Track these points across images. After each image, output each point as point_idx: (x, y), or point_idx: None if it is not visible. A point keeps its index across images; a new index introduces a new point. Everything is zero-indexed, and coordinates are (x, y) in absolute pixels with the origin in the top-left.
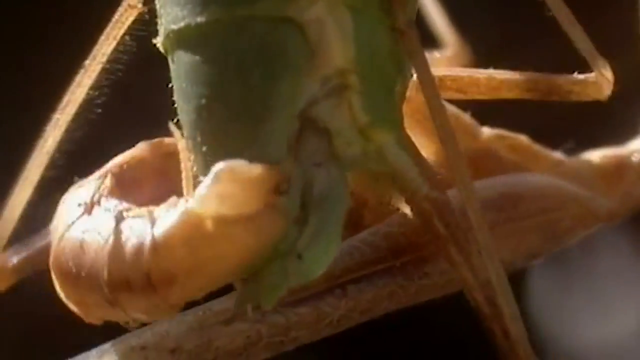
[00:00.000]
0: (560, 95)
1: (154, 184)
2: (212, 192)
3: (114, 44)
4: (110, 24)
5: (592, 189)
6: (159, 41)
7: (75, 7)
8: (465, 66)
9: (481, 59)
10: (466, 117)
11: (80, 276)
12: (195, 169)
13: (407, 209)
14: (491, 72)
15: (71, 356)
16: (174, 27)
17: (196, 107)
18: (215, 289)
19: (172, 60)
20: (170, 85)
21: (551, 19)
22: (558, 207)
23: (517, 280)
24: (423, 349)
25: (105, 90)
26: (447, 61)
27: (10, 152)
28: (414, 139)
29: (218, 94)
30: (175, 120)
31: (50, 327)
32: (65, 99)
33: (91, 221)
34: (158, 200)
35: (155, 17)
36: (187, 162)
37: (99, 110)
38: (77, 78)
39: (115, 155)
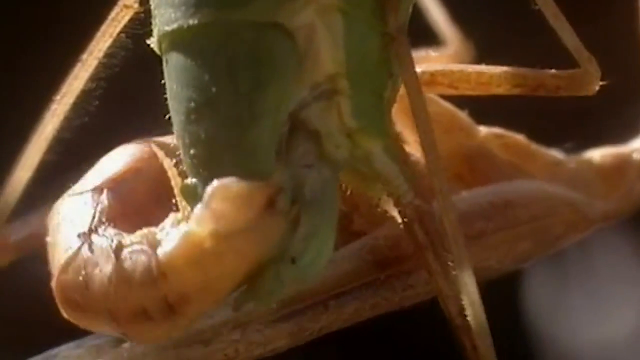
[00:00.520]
0: (549, 90)
1: (151, 193)
2: (208, 212)
3: (110, 40)
4: (106, 23)
5: (589, 189)
6: (152, 42)
7: (72, 6)
8: (467, 63)
9: (483, 56)
10: (462, 116)
11: (88, 311)
12: (185, 170)
13: (395, 212)
14: (481, 67)
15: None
16: (167, 28)
17: (186, 110)
18: (228, 296)
19: (165, 61)
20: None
21: None
22: (549, 213)
23: (514, 279)
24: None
25: (102, 84)
26: (448, 59)
27: (7, 144)
28: (410, 136)
29: (207, 98)
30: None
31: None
32: (63, 90)
33: (92, 257)
34: (157, 208)
35: (151, 16)
36: (176, 178)
37: (96, 102)
38: (74, 71)
39: (110, 147)
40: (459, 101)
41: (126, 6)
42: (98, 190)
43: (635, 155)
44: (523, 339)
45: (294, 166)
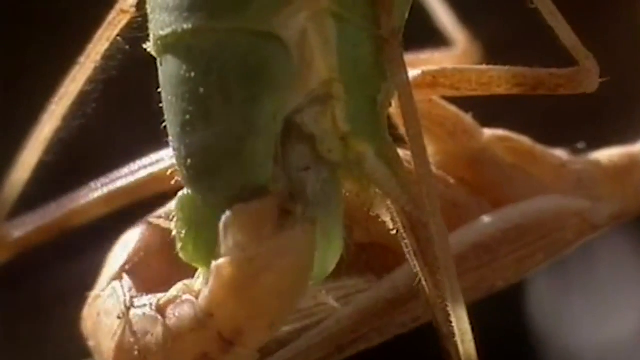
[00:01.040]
0: (549, 89)
1: (162, 265)
2: (230, 242)
3: (107, 44)
4: (103, 27)
5: (596, 191)
6: (149, 46)
7: (69, 10)
8: (475, 64)
9: (489, 56)
10: (467, 119)
11: None
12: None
13: (387, 217)
14: (481, 68)
15: None
16: (162, 32)
17: (181, 121)
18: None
19: (160, 66)
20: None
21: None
22: (559, 227)
23: (516, 282)
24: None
25: (100, 86)
26: (456, 59)
27: (6, 145)
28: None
29: (201, 109)
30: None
31: None
32: (61, 92)
33: (140, 328)
34: (175, 272)
35: (147, 21)
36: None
37: (94, 105)
38: (72, 73)
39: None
40: (465, 104)
41: (123, 11)
42: (118, 277)
43: None
44: (525, 341)
45: (292, 170)
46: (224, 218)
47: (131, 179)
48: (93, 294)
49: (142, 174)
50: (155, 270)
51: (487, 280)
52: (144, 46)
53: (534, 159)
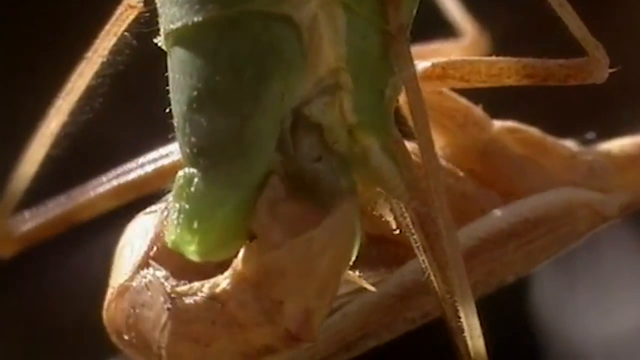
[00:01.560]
0: (559, 80)
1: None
2: (278, 231)
3: (115, 39)
4: (110, 22)
5: (606, 181)
6: (160, 40)
7: (76, 5)
8: (484, 55)
9: (499, 48)
10: (477, 110)
11: None
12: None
13: (390, 217)
14: (491, 59)
15: None
16: (172, 26)
17: (188, 99)
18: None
19: (170, 56)
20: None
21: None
22: (569, 221)
23: (521, 277)
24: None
25: (108, 81)
26: (465, 50)
27: (11, 141)
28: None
29: (210, 86)
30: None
31: None
32: (68, 86)
33: (190, 316)
34: (194, 265)
35: (156, 16)
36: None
37: (101, 100)
38: (79, 68)
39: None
40: (475, 95)
41: (130, 6)
42: (144, 266)
43: None
44: (531, 335)
45: (305, 162)
46: (264, 207)
47: (139, 173)
48: (116, 285)
49: (151, 168)
50: (181, 259)
51: (497, 275)
52: (155, 40)
53: (544, 150)
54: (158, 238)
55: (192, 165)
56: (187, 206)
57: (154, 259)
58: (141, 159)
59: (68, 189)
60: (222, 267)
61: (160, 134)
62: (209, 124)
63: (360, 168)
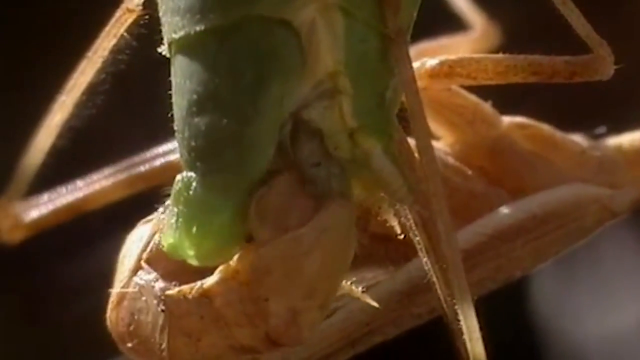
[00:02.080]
0: (565, 77)
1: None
2: (266, 227)
3: (114, 40)
4: (109, 25)
5: (616, 177)
6: (163, 49)
7: (76, 7)
8: (494, 46)
9: (504, 45)
10: (486, 107)
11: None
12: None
13: (395, 221)
14: (498, 57)
15: None
16: (175, 36)
17: (188, 102)
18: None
19: (172, 62)
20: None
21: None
22: (578, 216)
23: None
24: None
25: (109, 79)
26: (475, 42)
27: (14, 138)
28: (432, 129)
29: (210, 90)
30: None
31: None
32: (70, 84)
33: (181, 314)
34: (185, 268)
35: (155, 17)
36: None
37: (102, 98)
38: (80, 67)
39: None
40: (484, 91)
41: (129, 10)
42: (137, 271)
43: None
44: (530, 335)
45: (305, 167)
46: (253, 204)
47: (149, 165)
48: (115, 293)
49: (160, 161)
50: (173, 260)
51: (504, 271)
52: (159, 50)
53: (554, 146)
54: (151, 241)
55: (191, 170)
56: (184, 210)
57: (147, 261)
58: (151, 152)
59: (72, 180)
60: (214, 268)
61: (163, 128)
62: (207, 129)
63: (363, 172)
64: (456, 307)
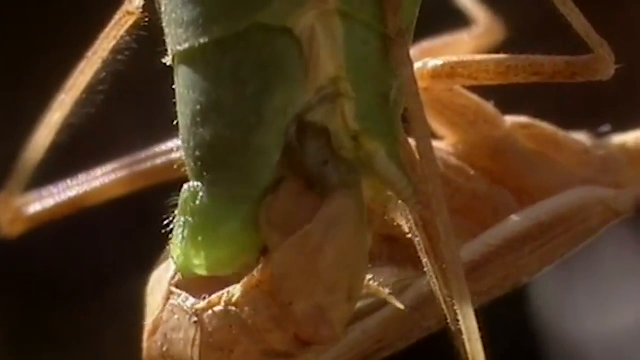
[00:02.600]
0: (565, 77)
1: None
2: (276, 231)
3: (114, 42)
4: (109, 26)
5: (619, 177)
6: (167, 60)
7: (76, 8)
8: (498, 42)
9: (505, 45)
10: (488, 107)
11: None
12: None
13: (402, 221)
14: (499, 57)
15: None
16: (179, 48)
17: (192, 112)
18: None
19: (176, 73)
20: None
21: None
22: (582, 220)
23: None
24: None
25: (108, 78)
26: (478, 39)
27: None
28: (434, 129)
29: (213, 100)
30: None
31: None
32: (69, 83)
33: (213, 327)
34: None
35: (156, 19)
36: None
37: (102, 97)
38: (80, 67)
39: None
40: (487, 91)
41: (129, 12)
42: (168, 296)
43: None
44: (530, 335)
45: (312, 166)
46: (262, 213)
47: (150, 162)
48: (149, 322)
49: (162, 159)
50: (200, 281)
51: (512, 278)
52: (163, 61)
53: (557, 145)
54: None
55: (197, 179)
56: (191, 220)
57: (176, 286)
58: (153, 150)
59: (72, 176)
60: (238, 277)
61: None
62: (212, 138)
63: (367, 173)
64: (455, 307)
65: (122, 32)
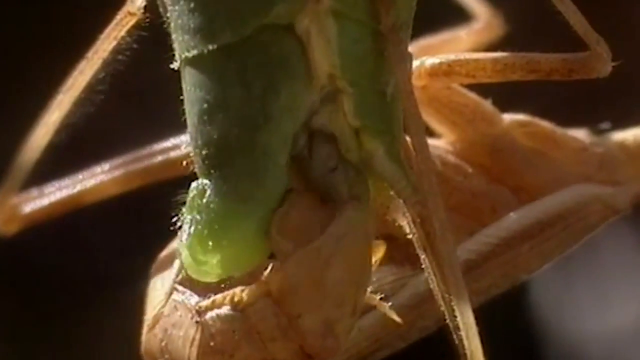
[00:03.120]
0: (562, 74)
1: None
2: (287, 242)
3: (115, 43)
4: (110, 26)
5: (617, 174)
6: (175, 66)
7: (76, 9)
8: (498, 37)
9: (502, 42)
10: (486, 105)
11: None
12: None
13: (404, 221)
14: (496, 55)
15: None
16: (188, 54)
17: (199, 111)
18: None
19: (183, 75)
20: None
21: None
22: (580, 217)
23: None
24: None
25: (110, 79)
26: (478, 34)
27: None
28: (432, 127)
29: (220, 99)
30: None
31: None
32: (68, 82)
33: (216, 329)
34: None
35: (158, 19)
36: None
37: (102, 97)
38: (79, 67)
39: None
40: (484, 88)
41: (130, 13)
42: (172, 292)
43: None
44: (529, 333)
45: (321, 173)
46: (274, 224)
47: (147, 161)
48: (150, 316)
49: (158, 158)
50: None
51: (510, 276)
52: (171, 66)
53: (554, 143)
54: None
55: (205, 177)
56: (198, 217)
57: (180, 283)
58: (150, 148)
59: (69, 175)
60: (241, 280)
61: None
62: (219, 137)
63: (368, 172)
64: (453, 303)
65: (123, 32)
